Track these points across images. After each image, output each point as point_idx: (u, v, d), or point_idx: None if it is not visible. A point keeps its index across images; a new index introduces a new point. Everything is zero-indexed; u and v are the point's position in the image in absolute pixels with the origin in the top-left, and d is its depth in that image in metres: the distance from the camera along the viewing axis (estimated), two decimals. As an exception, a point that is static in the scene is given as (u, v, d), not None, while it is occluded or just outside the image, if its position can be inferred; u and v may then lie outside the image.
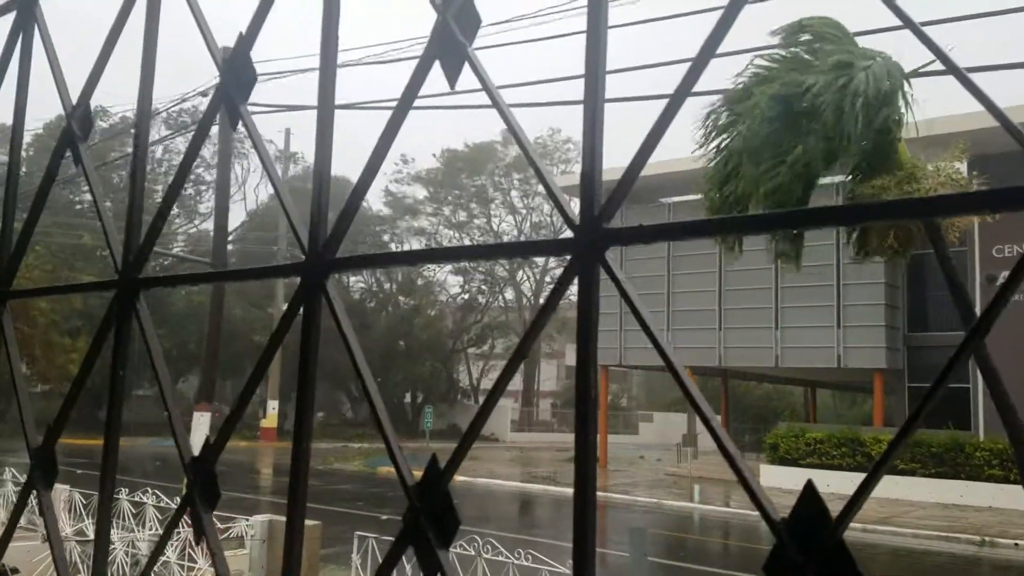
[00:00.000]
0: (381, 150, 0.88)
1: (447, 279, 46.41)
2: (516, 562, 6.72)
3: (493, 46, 12.00)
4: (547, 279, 47.34)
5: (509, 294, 47.57)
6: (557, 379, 56.83)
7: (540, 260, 46.71)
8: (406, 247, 44.08)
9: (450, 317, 45.63)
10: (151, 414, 31.90)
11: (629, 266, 29.26)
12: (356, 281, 43.95)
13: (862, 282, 23.68)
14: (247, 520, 9.54)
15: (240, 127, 1.11)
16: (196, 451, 1.05)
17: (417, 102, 0.97)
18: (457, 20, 0.85)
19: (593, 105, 0.76)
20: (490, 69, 0.88)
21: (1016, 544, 15.61)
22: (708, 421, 0.69)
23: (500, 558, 6.96)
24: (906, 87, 8.70)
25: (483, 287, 46.57)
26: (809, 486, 0.62)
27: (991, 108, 0.63)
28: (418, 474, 0.82)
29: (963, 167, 10.09)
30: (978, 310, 21.19)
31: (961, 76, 0.63)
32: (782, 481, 21.77)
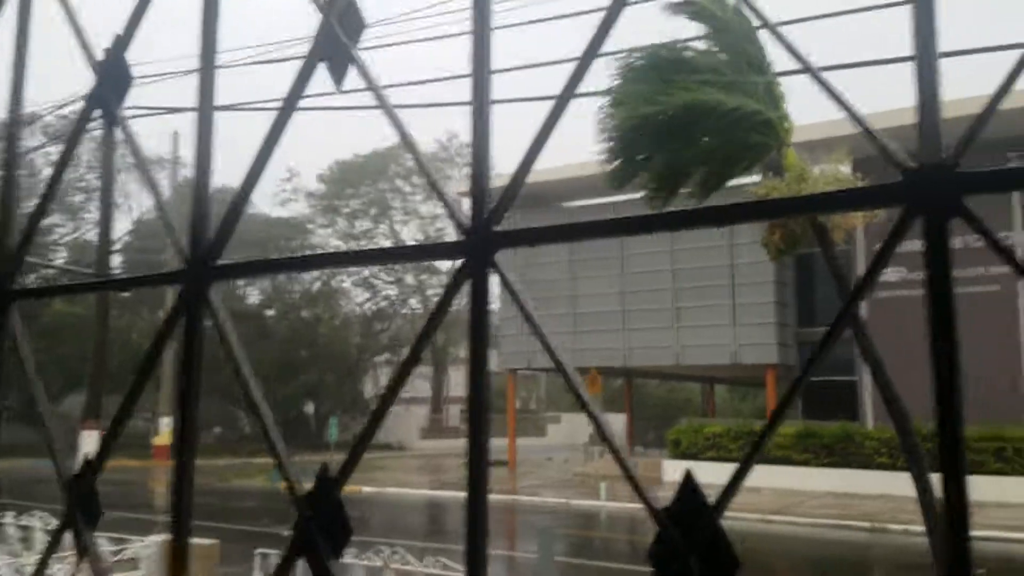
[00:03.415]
0: (265, 153, 0.86)
1: (352, 288, 45.72)
2: (426, 570, 6.69)
3: (379, 46, 11.87)
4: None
5: (416, 302, 47.22)
6: (467, 385, 56.58)
7: (448, 266, 46.66)
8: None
9: (356, 326, 44.94)
10: (32, 434, 30.11)
11: (533, 270, 29.54)
12: (254, 288, 42.74)
13: (754, 281, 24.65)
14: (142, 541, 9.15)
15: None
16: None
17: (309, 103, 0.95)
18: (342, 21, 0.84)
19: (480, 109, 0.77)
20: (378, 70, 0.87)
21: (906, 530, 16.51)
22: (595, 418, 0.70)
23: (408, 567, 6.91)
24: (785, 109, 9.11)
25: (390, 295, 46.08)
26: (688, 476, 0.64)
27: (854, 116, 0.67)
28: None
29: (847, 168, 10.59)
30: (863, 306, 22.39)
31: (822, 82, 0.66)
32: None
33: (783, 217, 0.67)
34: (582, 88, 0.80)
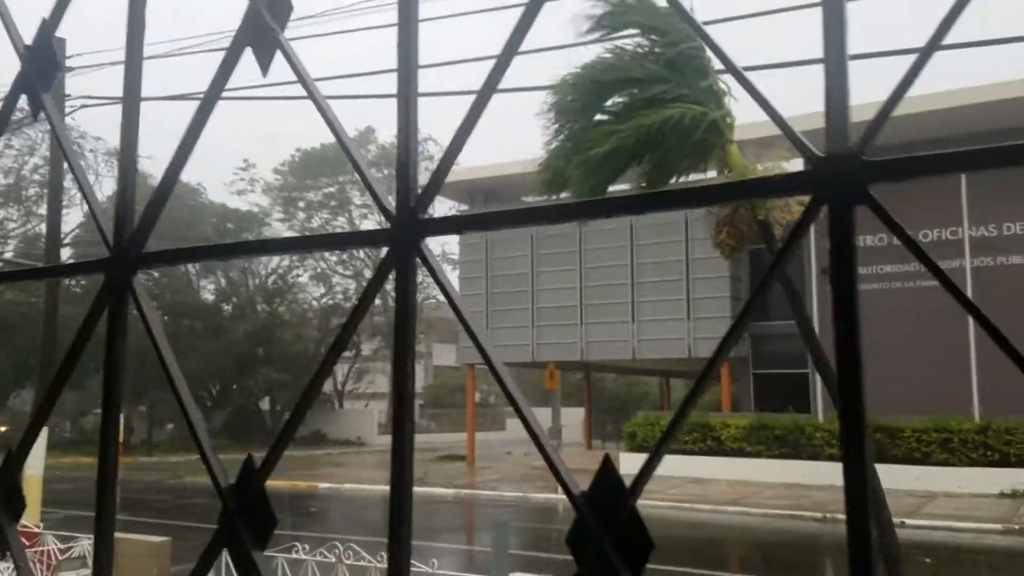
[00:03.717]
0: (189, 141, 0.85)
1: (309, 282, 45.20)
2: (379, 565, 6.66)
3: (308, 36, 11.70)
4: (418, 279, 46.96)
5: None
6: (424, 379, 56.57)
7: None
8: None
9: (314, 320, 44.47)
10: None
11: (493, 264, 29.56)
12: (209, 282, 42.11)
13: (709, 276, 24.97)
14: (89, 539, 8.98)
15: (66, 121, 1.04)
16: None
17: (239, 92, 0.94)
18: (269, 7, 0.83)
19: (407, 97, 0.77)
20: (310, 62, 0.86)
21: (852, 517, 16.88)
22: (520, 409, 0.70)
23: (362, 563, 6.87)
24: (728, 106, 9.17)
25: (348, 289, 45.62)
26: (606, 461, 0.64)
27: (770, 111, 0.68)
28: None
29: (790, 166, 10.71)
30: (815, 298, 22.83)
31: (743, 80, 0.67)
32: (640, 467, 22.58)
33: (698, 206, 0.68)
34: (531, 83, 0.80)
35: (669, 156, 9.11)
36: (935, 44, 0.57)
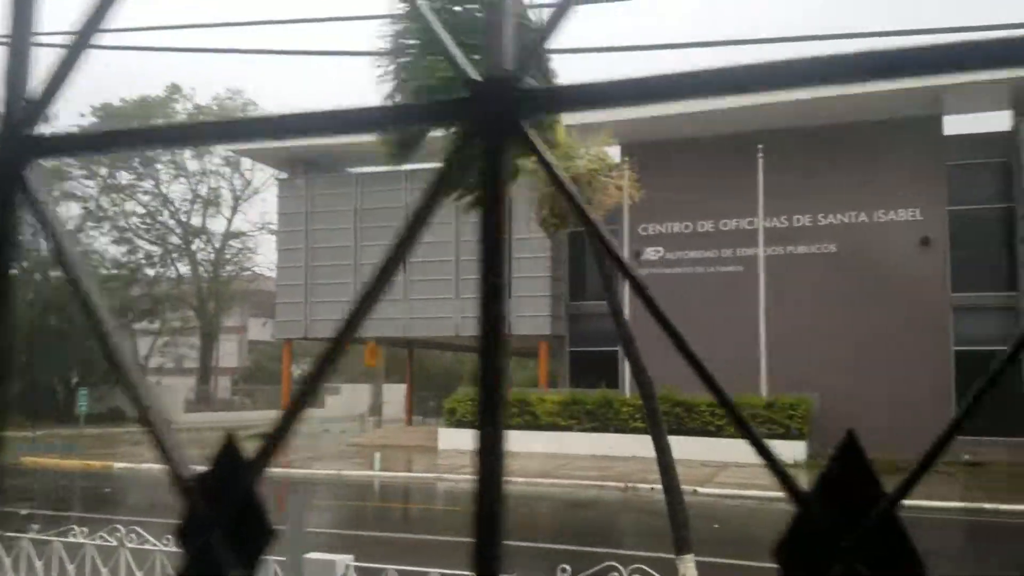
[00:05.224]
0: None
1: (108, 249, 41.80)
2: (164, 548, 6.23)
3: None
4: (229, 246, 44.78)
5: (184, 266, 44.06)
6: (239, 355, 54.25)
7: (220, 230, 44.04)
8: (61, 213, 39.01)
9: (116, 290, 41.30)
10: None
11: (314, 235, 28.66)
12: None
13: (531, 256, 25.51)
14: None
15: None
16: None
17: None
18: None
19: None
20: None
21: (652, 488, 17.91)
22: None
23: (147, 547, 6.41)
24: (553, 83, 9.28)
25: (152, 257, 42.63)
26: (228, 440, 0.54)
27: (440, 37, 0.59)
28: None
29: (613, 151, 11.09)
30: (624, 283, 23.91)
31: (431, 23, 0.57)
32: (459, 443, 22.88)
33: (368, 131, 0.58)
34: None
35: None
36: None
